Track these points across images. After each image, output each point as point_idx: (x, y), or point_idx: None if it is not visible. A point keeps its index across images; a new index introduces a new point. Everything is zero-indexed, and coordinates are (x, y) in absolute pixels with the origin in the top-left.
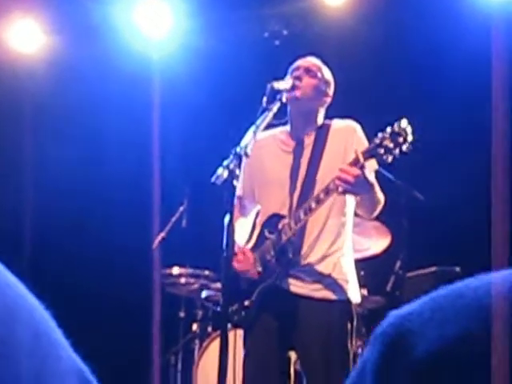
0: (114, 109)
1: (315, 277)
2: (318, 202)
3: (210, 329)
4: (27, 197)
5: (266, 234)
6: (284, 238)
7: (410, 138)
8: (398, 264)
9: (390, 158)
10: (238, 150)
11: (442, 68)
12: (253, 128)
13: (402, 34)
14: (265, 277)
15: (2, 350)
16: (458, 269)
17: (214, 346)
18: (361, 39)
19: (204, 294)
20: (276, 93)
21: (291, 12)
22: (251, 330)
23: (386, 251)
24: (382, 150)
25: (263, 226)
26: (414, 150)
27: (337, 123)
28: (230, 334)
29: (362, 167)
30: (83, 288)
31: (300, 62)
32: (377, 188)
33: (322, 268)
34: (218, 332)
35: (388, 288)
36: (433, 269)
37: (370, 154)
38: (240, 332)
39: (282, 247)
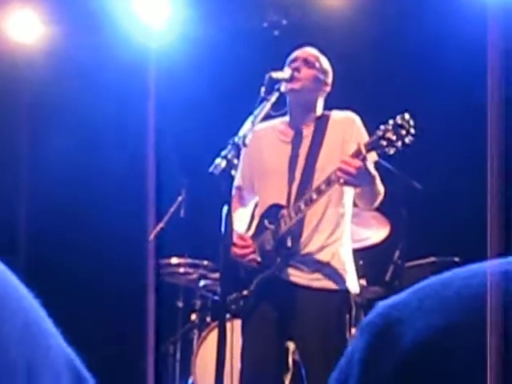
0: (112, 98)
1: (314, 266)
2: (319, 192)
3: (208, 319)
4: (24, 186)
5: (266, 224)
6: (284, 228)
7: (412, 130)
8: (397, 254)
9: (392, 151)
10: (236, 139)
11: (440, 58)
12: (251, 118)
13: (400, 23)
14: (264, 266)
15: None
16: (456, 259)
17: (213, 336)
18: (360, 29)
19: (202, 282)
20: (274, 83)
21: (290, 2)
22: (249, 319)
23: (384, 241)
24: (384, 143)
25: (263, 216)
26: (412, 140)
27: (336, 114)
28: (229, 324)
29: (363, 159)
30: (81, 278)
31: (297, 53)
32: (378, 180)
33: (320, 257)
34: (217, 322)
35: (387, 278)
36: (432, 259)
37: (372, 146)
38: (239, 322)
39: (282, 237)
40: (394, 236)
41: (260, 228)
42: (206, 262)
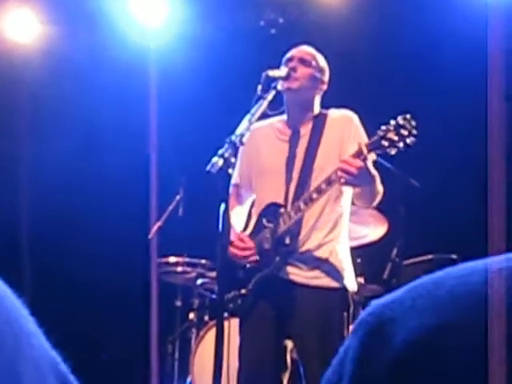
0: (110, 98)
1: (313, 263)
2: (319, 192)
3: (206, 318)
4: (23, 187)
5: (264, 222)
6: (283, 227)
7: (414, 131)
8: (395, 252)
9: (393, 151)
10: (233, 138)
11: (438, 57)
12: (248, 116)
13: (397, 22)
14: (262, 265)
15: None
16: (454, 256)
17: (211, 335)
18: (357, 27)
19: (200, 281)
20: (271, 81)
21: (287, 0)
22: (247, 318)
23: (382, 239)
24: (385, 143)
25: (261, 214)
26: (414, 141)
27: (333, 113)
28: (227, 323)
29: (364, 159)
30: (80, 277)
31: (293, 52)
32: (377, 179)
33: (319, 254)
34: (215, 321)
35: (385, 276)
36: (429, 256)
37: (373, 146)
38: (237, 321)
39: (280, 236)
40: (392, 234)
41: (258, 227)
42: (204, 261)
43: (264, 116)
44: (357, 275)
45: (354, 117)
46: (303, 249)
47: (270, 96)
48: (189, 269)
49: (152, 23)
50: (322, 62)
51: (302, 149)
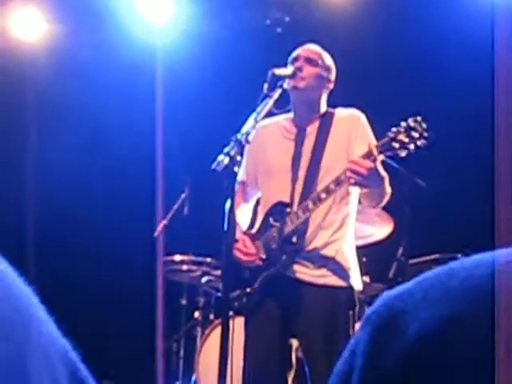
0: (116, 96)
1: (319, 261)
2: (328, 192)
3: (211, 316)
4: (29, 184)
5: (271, 221)
6: (290, 226)
7: (425, 133)
8: (401, 251)
9: (403, 153)
10: (238, 136)
11: (444, 55)
12: (254, 115)
13: (403, 20)
14: (268, 264)
15: None
16: (460, 256)
17: (216, 334)
18: (363, 26)
19: (205, 278)
20: (277, 79)
21: None
22: (253, 317)
23: (388, 238)
24: (396, 145)
25: (268, 213)
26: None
27: (340, 112)
28: (232, 322)
29: (374, 160)
30: (85, 276)
31: (299, 52)
32: (386, 180)
33: (325, 252)
34: (220, 319)
35: (390, 275)
36: (435, 256)
37: (384, 147)
38: (242, 319)
39: (287, 235)
40: (398, 233)
41: (265, 225)
42: (209, 260)
43: (270, 114)
44: (362, 274)
45: (361, 116)
46: (310, 247)
47: (276, 94)
48: (194, 267)
49: (158, 21)
50: (328, 60)
51: (308, 147)
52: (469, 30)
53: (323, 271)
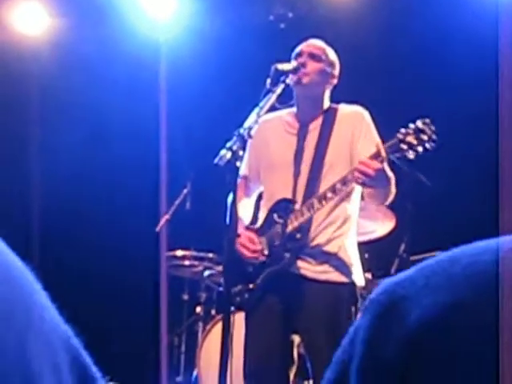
0: (119, 91)
1: (322, 257)
2: (335, 191)
3: (213, 311)
4: (33, 179)
5: (276, 218)
6: (295, 223)
7: (434, 136)
8: (403, 247)
9: (412, 155)
10: (241, 131)
11: (448, 51)
12: (256, 110)
13: (407, 16)
14: (272, 261)
15: None
16: None
17: (218, 329)
18: (366, 22)
19: (207, 272)
20: (280, 74)
21: None
22: (254, 312)
23: (390, 234)
24: (404, 146)
25: (272, 210)
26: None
27: (344, 108)
28: (235, 317)
29: (382, 161)
30: (87, 271)
31: (303, 47)
32: (393, 181)
33: (328, 248)
34: (222, 315)
35: (392, 271)
36: (437, 252)
37: (392, 149)
38: (244, 315)
39: (292, 232)
40: (400, 229)
41: (268, 221)
42: (211, 255)
43: (272, 109)
44: (364, 270)
45: (365, 113)
46: (313, 244)
47: (279, 89)
48: (196, 262)
49: (161, 16)
50: (332, 55)
51: (311, 143)
52: (473, 26)
53: (325, 267)
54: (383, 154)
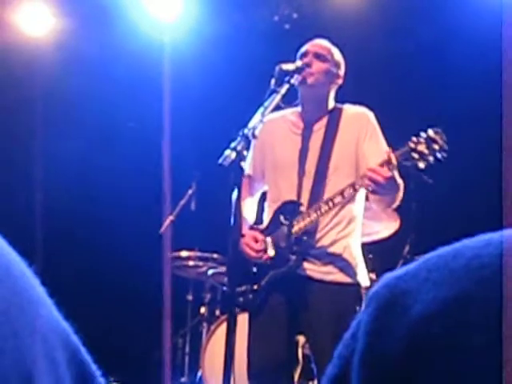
0: (124, 92)
1: (327, 258)
2: (343, 196)
3: (218, 312)
4: (36, 180)
5: (282, 220)
6: (301, 225)
7: (445, 146)
8: (407, 248)
9: (423, 165)
10: (245, 131)
11: (454, 52)
12: (261, 110)
13: (413, 16)
14: (277, 262)
15: None
16: None
17: (222, 330)
18: (371, 22)
19: (211, 271)
20: (284, 75)
21: None
22: (259, 313)
23: (394, 235)
24: (416, 155)
25: (278, 211)
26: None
27: (349, 109)
28: (238, 318)
29: (392, 169)
30: (92, 272)
31: (308, 47)
32: (401, 187)
33: (333, 249)
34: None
35: None
36: None
37: (403, 157)
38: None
39: (298, 234)
40: (404, 230)
41: (274, 223)
42: (215, 255)
43: (277, 109)
44: (368, 271)
45: (370, 115)
46: (318, 245)
47: (284, 90)
48: (200, 263)
49: (166, 17)
50: (337, 55)
51: (316, 144)
52: (479, 27)
53: (330, 268)
54: (394, 162)
